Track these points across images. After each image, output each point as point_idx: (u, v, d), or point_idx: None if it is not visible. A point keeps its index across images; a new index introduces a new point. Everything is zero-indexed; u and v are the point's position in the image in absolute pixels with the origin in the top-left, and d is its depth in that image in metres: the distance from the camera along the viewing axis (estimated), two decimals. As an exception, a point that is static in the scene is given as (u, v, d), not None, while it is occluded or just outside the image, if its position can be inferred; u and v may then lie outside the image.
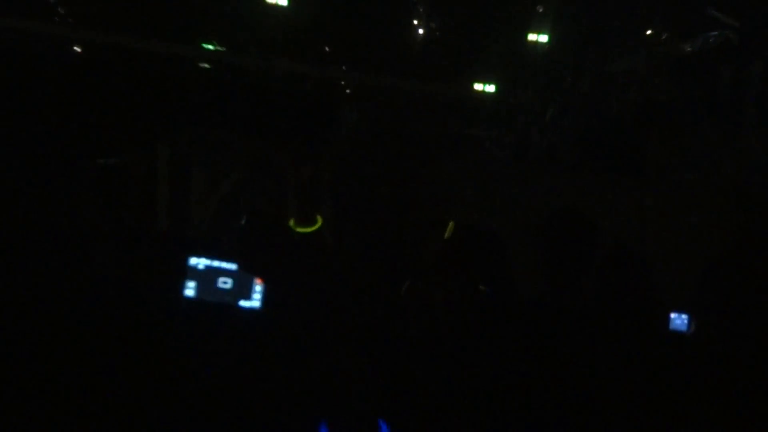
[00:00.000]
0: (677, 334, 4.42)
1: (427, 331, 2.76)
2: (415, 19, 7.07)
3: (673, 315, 4.56)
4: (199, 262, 3.26)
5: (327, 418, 2.32)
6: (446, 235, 3.22)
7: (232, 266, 3.23)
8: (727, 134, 6.37)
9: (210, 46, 6.83)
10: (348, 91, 6.78)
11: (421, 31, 7.10)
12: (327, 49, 7.04)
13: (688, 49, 6.61)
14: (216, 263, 3.26)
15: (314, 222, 4.80)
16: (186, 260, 3.24)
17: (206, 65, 6.59)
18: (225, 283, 3.24)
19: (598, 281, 2.82)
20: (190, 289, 3.25)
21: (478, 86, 7.04)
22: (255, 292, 3.23)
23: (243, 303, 3.22)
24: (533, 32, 6.89)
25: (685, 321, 4.57)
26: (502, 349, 2.57)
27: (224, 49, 6.81)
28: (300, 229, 4.73)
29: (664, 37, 6.77)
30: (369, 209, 6.49)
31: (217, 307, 3.21)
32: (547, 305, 2.80)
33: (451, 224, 3.31)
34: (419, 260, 3.41)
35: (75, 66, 6.16)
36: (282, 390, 2.56)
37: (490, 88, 7.05)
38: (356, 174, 6.71)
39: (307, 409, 2.43)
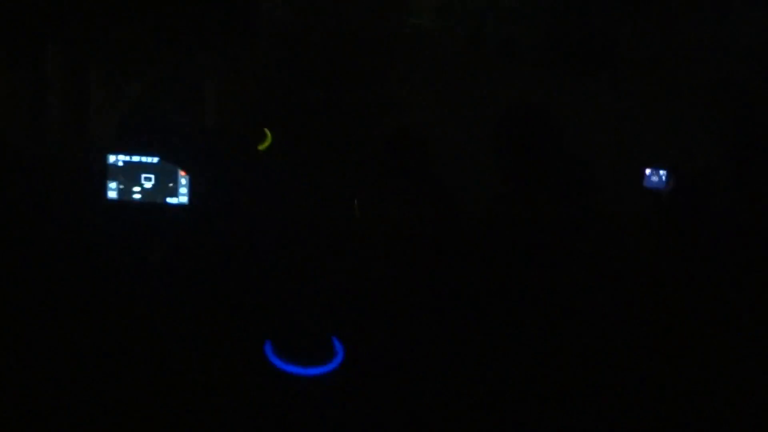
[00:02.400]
0: (653, 192, 4.40)
1: (375, 250, 2.68)
2: None
3: (648, 171, 4.61)
4: (118, 159, 3.08)
5: (272, 333, 2.16)
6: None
7: (154, 160, 3.08)
8: (713, 16, 5.71)
9: None
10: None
11: None
12: None
13: None
14: (136, 158, 3.10)
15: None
16: (104, 158, 3.09)
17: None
18: (148, 180, 3.10)
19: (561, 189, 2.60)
20: (112, 191, 3.09)
21: (424, -34, 6.19)
22: (181, 186, 3.08)
23: (170, 200, 3.10)
24: None
25: (663, 178, 4.61)
26: (456, 266, 2.44)
27: None
28: None
29: None
30: (304, 118, 5.89)
31: (143, 207, 3.09)
32: (507, 215, 2.58)
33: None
34: (367, 173, 3.26)
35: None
36: (221, 300, 2.51)
37: (439, -31, 6.20)
38: (286, 76, 6.07)
39: (250, 321, 2.35)
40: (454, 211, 2.93)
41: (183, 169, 3.09)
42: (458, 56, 6.17)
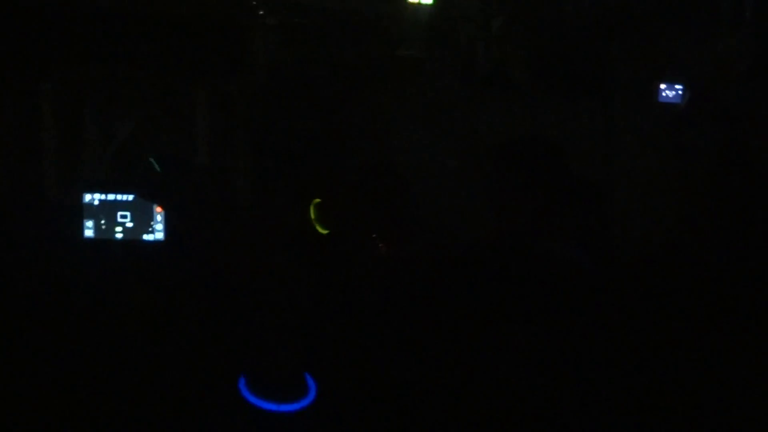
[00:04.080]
0: (669, 106, 4.30)
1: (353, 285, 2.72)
2: None
3: (663, 86, 4.37)
4: (94, 198, 3.17)
5: (246, 370, 2.11)
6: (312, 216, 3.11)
7: (129, 197, 3.19)
8: (702, 37, 5.68)
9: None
10: (261, 12, 6.01)
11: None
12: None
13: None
14: (111, 197, 3.18)
15: None
16: (81, 197, 3.18)
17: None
18: (124, 217, 3.18)
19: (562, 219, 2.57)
20: (89, 230, 3.16)
21: (412, -3, 6.17)
22: (156, 222, 3.18)
23: (146, 237, 3.17)
24: None
25: (679, 92, 4.42)
26: (436, 300, 2.41)
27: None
28: None
29: None
30: (291, 149, 5.90)
31: (119, 245, 3.18)
32: (504, 250, 2.54)
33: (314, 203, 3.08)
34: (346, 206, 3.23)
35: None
36: (196, 337, 2.52)
37: None
38: (276, 109, 6.09)
39: (224, 359, 2.31)
40: (434, 243, 2.92)
41: (158, 205, 3.11)
42: (448, 87, 6.18)
